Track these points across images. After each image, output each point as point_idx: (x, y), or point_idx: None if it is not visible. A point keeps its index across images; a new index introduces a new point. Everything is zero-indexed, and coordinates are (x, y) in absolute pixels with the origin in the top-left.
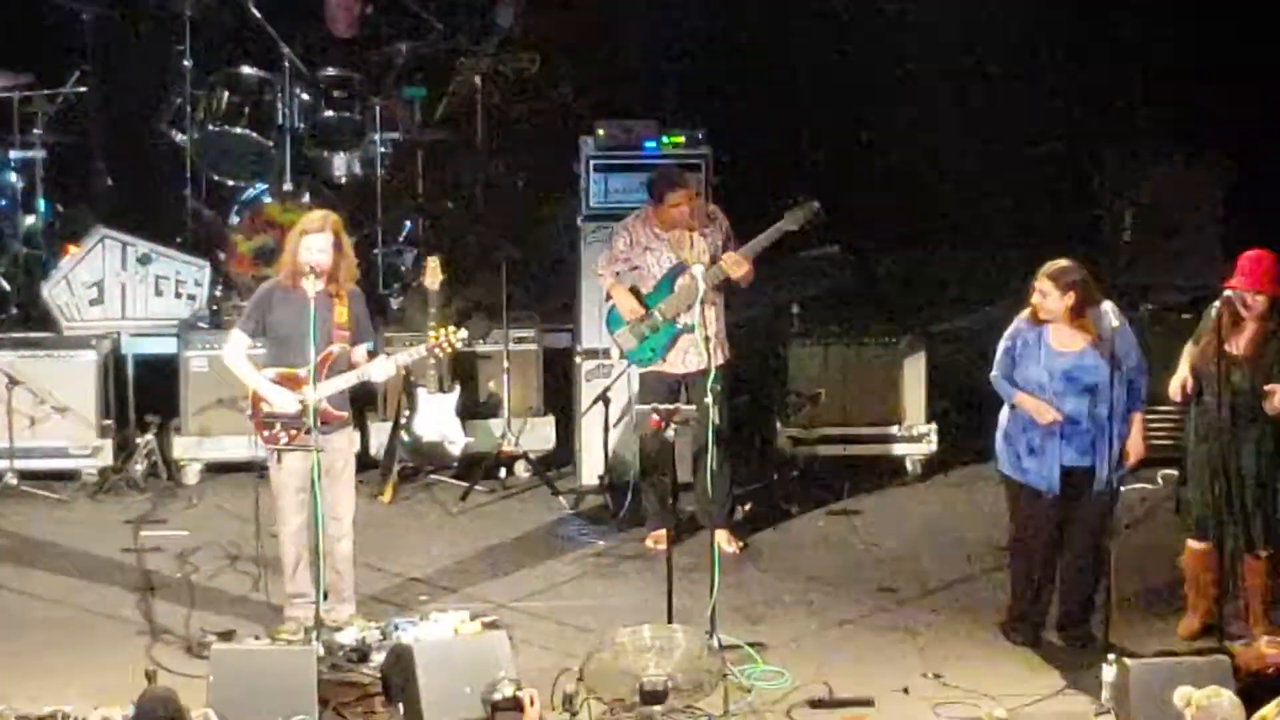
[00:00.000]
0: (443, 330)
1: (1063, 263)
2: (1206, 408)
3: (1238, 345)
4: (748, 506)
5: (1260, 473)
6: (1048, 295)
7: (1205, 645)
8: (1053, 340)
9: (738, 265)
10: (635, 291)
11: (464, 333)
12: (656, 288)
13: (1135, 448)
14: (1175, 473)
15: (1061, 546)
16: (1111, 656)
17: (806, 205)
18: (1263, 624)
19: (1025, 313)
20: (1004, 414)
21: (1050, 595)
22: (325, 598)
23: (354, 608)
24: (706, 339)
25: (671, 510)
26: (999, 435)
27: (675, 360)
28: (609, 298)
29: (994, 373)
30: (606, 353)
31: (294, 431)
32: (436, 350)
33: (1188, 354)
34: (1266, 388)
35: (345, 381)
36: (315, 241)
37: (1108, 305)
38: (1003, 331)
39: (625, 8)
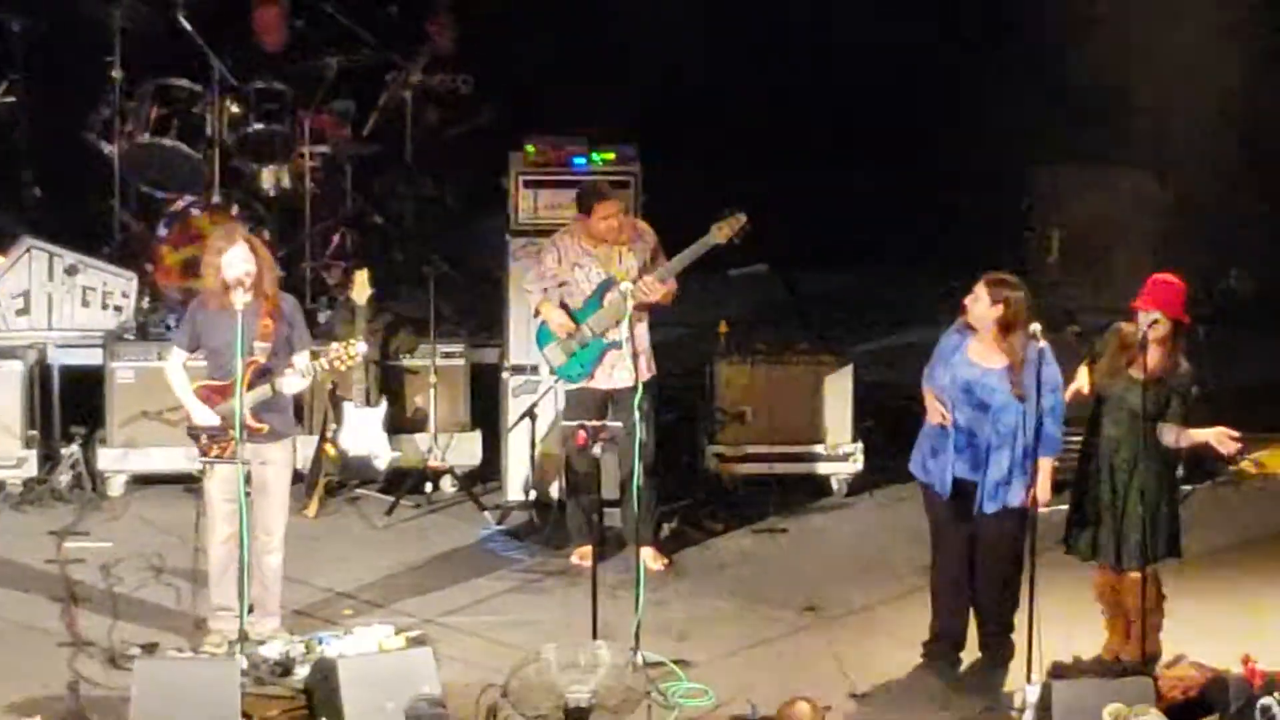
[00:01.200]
0: (341, 344)
1: (1004, 275)
2: (1107, 435)
3: (1144, 367)
4: (673, 524)
5: (1155, 492)
6: (978, 300)
7: (1128, 666)
8: (970, 350)
9: (650, 291)
10: (565, 307)
11: (362, 345)
12: (586, 303)
13: (1040, 495)
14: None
15: (974, 567)
16: (1035, 677)
17: (733, 218)
18: (1149, 640)
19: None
20: None
21: (965, 614)
22: (250, 611)
23: (279, 622)
24: (635, 355)
25: (597, 526)
26: None
27: (602, 376)
28: (538, 314)
29: (926, 368)
30: (535, 368)
31: (224, 444)
32: (335, 362)
33: (1084, 374)
34: (1159, 424)
35: (261, 394)
36: (235, 255)
37: (1043, 346)
38: (928, 352)
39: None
